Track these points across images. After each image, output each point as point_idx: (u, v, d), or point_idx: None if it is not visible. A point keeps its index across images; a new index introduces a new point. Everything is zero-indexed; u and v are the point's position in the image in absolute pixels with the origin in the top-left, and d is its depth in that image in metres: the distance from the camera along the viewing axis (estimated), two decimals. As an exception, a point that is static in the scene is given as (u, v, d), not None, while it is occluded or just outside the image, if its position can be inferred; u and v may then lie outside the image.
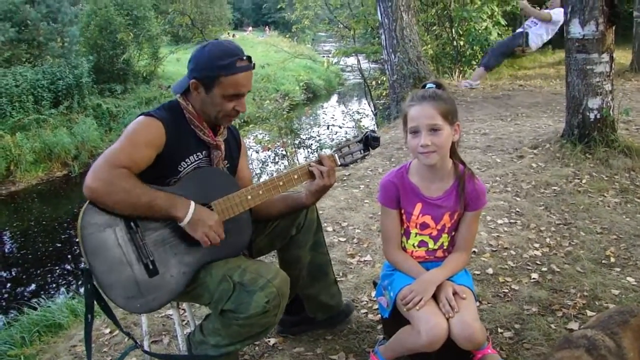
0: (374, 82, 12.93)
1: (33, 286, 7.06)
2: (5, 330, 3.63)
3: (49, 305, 3.79)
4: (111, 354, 2.69)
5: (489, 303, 2.82)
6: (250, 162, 9.04)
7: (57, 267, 7.65)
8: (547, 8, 8.36)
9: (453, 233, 2.19)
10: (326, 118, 13.57)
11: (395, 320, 2.13)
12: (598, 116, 4.97)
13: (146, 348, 2.17)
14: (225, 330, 1.98)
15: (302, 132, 10.32)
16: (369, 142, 2.28)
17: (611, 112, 5.02)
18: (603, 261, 3.30)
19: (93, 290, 1.91)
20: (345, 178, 5.12)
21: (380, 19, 9.31)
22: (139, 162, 1.93)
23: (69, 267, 7.75)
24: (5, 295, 6.82)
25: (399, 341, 2.10)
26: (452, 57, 12.13)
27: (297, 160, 8.61)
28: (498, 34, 11.62)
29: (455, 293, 2.02)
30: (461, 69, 11.57)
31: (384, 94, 12.07)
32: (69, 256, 8.16)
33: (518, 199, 4.31)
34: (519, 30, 8.33)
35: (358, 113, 12.35)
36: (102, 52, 14.86)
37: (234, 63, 2.01)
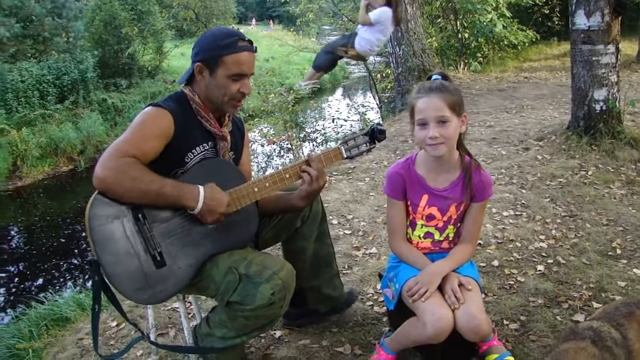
0: (378, 75, 12.89)
1: (40, 280, 7.09)
2: (13, 324, 3.65)
3: (56, 299, 3.80)
4: (118, 346, 2.70)
5: (494, 295, 2.82)
6: (255, 155, 9.04)
7: (63, 262, 7.67)
8: None
9: (459, 224, 2.19)
10: (331, 111, 13.53)
11: (400, 312, 2.13)
12: (604, 108, 4.96)
13: (152, 340, 2.18)
14: (232, 322, 1.99)
15: (307, 126, 10.31)
16: (375, 134, 2.28)
17: (617, 103, 5.00)
18: (609, 253, 3.29)
19: (100, 281, 1.92)
20: (350, 171, 5.12)
21: (384, 11, 9.26)
22: (148, 152, 1.93)
23: (75, 261, 7.78)
24: (13, 290, 6.85)
25: (404, 333, 2.10)
26: (457, 50, 12.10)
27: (303, 153, 8.59)
28: (503, 26, 11.59)
29: (460, 284, 2.02)
30: (466, 61, 11.55)
31: (388, 87, 12.04)
32: (76, 250, 8.19)
33: (524, 191, 4.31)
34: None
35: (363, 106, 12.32)
36: (107, 46, 14.87)
37: (236, 42, 2.02)
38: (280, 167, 2.59)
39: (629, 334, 1.78)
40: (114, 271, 1.87)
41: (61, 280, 7.13)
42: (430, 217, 2.15)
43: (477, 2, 11.28)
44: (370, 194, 4.48)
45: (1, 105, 11.46)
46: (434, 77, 2.08)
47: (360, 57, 6.52)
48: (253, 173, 2.96)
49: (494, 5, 11.52)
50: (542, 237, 3.53)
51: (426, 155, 2.11)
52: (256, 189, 2.08)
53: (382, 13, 5.69)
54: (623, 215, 3.83)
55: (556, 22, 14.06)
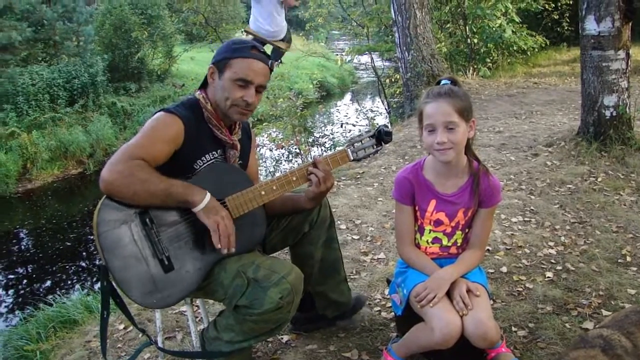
0: (387, 80, 12.91)
1: (48, 283, 7.12)
2: (21, 326, 3.67)
3: (64, 302, 3.82)
4: (125, 349, 2.71)
5: (503, 301, 2.80)
6: (264, 160, 9.05)
7: (71, 264, 7.70)
8: None
9: (467, 230, 2.18)
10: (340, 116, 13.56)
11: (408, 317, 2.12)
12: (614, 114, 4.93)
13: (160, 344, 2.18)
14: (239, 326, 1.99)
15: (315, 130, 10.33)
16: (381, 136, 2.28)
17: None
18: (619, 260, 3.26)
19: (109, 286, 1.93)
20: (359, 176, 5.12)
21: (393, 16, 9.30)
22: (157, 155, 1.94)
23: (83, 264, 7.81)
24: (22, 292, 6.89)
25: (412, 339, 2.09)
26: (466, 55, 12.10)
27: (311, 158, 8.60)
28: (512, 31, 11.56)
29: (469, 290, 2.01)
30: (475, 66, 11.54)
31: (397, 92, 12.05)
32: (84, 253, 8.23)
33: (532, 197, 4.29)
34: None
35: (372, 111, 12.34)
36: (117, 50, 14.94)
37: (248, 49, 2.05)
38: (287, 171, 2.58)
39: (639, 343, 1.77)
40: (122, 276, 1.87)
41: (69, 282, 7.16)
42: (438, 223, 2.14)
43: (486, 7, 11.28)
44: (379, 199, 4.47)
45: (12, 109, 11.53)
46: (442, 82, 2.08)
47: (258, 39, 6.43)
48: (261, 177, 2.95)
49: (503, 11, 11.50)
50: (551, 243, 3.51)
51: (434, 160, 2.10)
52: (263, 192, 2.08)
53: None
54: (633, 222, 3.80)
55: (566, 28, 14.01)
